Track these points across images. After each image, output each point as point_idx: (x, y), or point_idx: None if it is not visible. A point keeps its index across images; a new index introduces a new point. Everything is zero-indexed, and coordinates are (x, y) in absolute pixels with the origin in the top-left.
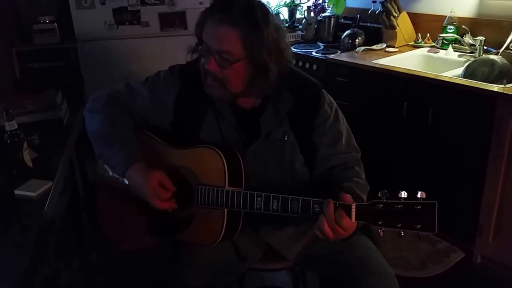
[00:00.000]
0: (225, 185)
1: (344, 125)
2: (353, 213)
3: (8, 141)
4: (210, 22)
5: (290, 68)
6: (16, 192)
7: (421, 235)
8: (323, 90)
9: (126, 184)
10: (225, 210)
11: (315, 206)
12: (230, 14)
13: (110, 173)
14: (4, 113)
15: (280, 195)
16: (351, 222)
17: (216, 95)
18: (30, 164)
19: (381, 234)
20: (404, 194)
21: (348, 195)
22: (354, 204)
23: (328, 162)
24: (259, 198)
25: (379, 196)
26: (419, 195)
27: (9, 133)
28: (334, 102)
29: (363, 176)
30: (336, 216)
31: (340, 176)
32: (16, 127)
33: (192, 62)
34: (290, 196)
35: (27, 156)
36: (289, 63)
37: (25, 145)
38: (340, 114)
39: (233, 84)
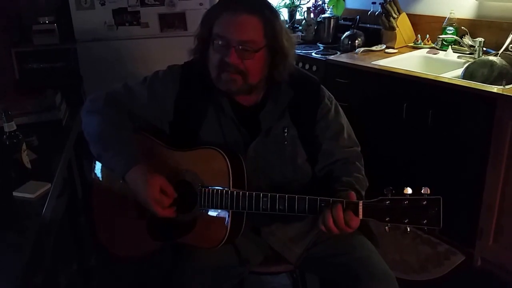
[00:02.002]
0: (229, 187)
1: (344, 119)
2: (360, 210)
3: (7, 142)
4: (226, 15)
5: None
6: (15, 193)
7: (427, 230)
8: (321, 85)
9: (123, 186)
10: (230, 212)
11: (322, 204)
12: (247, 3)
13: (92, 175)
14: (3, 114)
15: (286, 195)
16: (358, 220)
17: (235, 89)
18: (29, 166)
19: (387, 231)
20: (409, 190)
21: (352, 192)
22: (361, 201)
23: (332, 155)
24: (265, 199)
25: (384, 193)
26: (423, 191)
27: (8, 134)
28: (333, 97)
29: (363, 172)
30: (344, 215)
31: (341, 170)
32: (15, 128)
33: (190, 61)
34: (296, 196)
35: (26, 158)
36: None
37: (24, 147)
38: (340, 108)
39: (253, 74)
